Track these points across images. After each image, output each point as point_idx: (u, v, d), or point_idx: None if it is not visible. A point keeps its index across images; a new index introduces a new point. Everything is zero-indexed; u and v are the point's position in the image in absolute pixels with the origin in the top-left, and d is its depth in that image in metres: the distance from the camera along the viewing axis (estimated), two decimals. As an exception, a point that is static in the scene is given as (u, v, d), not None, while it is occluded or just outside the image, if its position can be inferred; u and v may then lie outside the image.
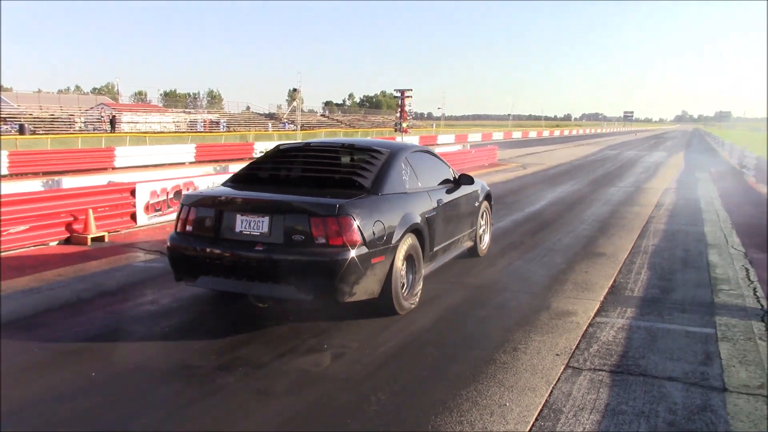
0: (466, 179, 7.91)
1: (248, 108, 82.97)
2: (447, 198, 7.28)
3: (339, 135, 57.76)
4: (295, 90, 73.65)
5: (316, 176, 6.23)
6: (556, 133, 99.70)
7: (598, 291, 7.19)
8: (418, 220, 6.35)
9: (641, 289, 7.31)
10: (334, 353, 5.22)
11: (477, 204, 8.48)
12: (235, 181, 6.48)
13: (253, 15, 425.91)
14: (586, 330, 5.86)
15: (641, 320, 6.16)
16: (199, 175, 13.23)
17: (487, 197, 9.03)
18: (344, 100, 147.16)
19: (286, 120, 76.19)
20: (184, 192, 5.93)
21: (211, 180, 12.90)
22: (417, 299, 6.43)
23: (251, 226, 5.59)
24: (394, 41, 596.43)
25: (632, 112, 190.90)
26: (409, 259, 6.26)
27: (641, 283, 7.54)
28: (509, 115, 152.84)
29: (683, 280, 7.70)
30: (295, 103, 76.92)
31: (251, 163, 6.80)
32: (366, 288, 5.66)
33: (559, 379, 4.79)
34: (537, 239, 10.19)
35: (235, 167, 16.90)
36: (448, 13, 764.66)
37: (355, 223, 5.44)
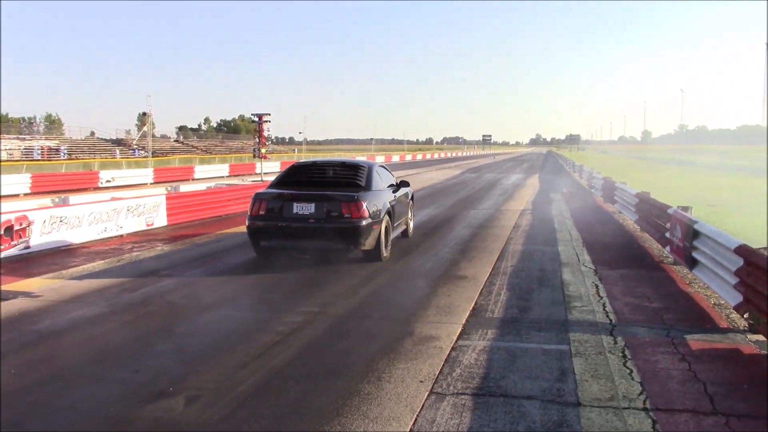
0: (404, 183, 12.78)
1: (93, 133, 78.93)
2: (397, 195, 11.60)
3: (195, 161, 56.21)
4: (144, 114, 70.96)
5: (331, 180, 10.50)
6: (419, 156, 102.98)
7: (460, 314, 7.45)
8: (389, 206, 10.70)
9: (501, 310, 7.66)
10: (188, 396, 5.03)
11: (408, 200, 12.95)
12: (277, 185, 10.40)
13: (96, 31, 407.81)
14: (449, 354, 6.04)
15: (501, 341, 6.44)
16: (35, 208, 12.36)
17: (412, 197, 13.61)
18: (200, 125, 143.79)
19: (136, 146, 73.19)
20: (257, 191, 10.28)
21: (49, 213, 12.10)
22: (389, 253, 10.66)
23: (303, 209, 9.63)
24: (254, 62, 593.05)
25: (490, 136, 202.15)
26: (386, 229, 10.46)
27: (501, 305, 7.90)
28: (372, 139, 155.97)
29: (539, 300, 8.16)
30: (145, 128, 74.14)
31: (282, 175, 10.75)
32: (370, 242, 9.88)
33: (423, 406, 4.89)
34: (400, 264, 10.42)
35: (78, 198, 15.96)
36: (307, 36, 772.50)
37: (365, 205, 9.69)
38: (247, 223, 10.01)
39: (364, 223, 9.66)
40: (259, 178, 33.26)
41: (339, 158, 12.82)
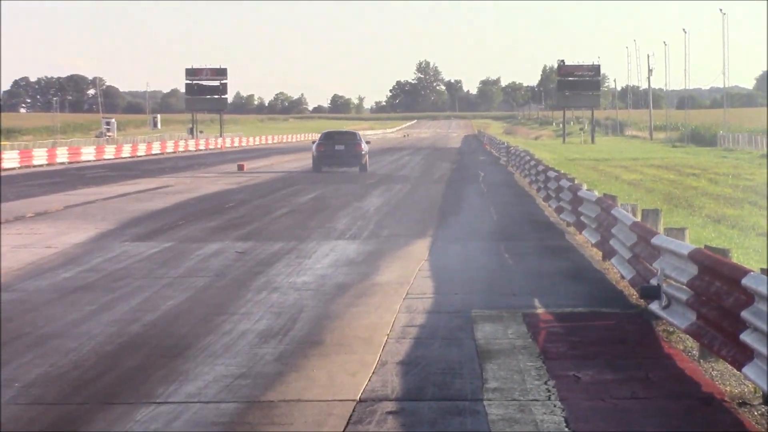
0: (368, 142, 43.40)
1: None
2: (367, 146, 41.93)
3: None
4: None
5: (346, 137, 42.93)
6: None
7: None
8: (366, 149, 41.26)
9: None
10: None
11: (367, 151, 42.09)
12: (323, 140, 41.20)
13: None
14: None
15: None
16: None
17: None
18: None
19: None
20: (316, 141, 40.55)
21: None
22: (367, 170, 39.98)
23: (339, 147, 40.41)
24: None
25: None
26: (367, 158, 41.53)
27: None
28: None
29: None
30: None
31: (323, 135, 42.97)
32: (365, 162, 39.99)
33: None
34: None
35: None
36: None
37: (363, 145, 40.77)
38: (314, 153, 38.35)
39: (363, 152, 38.06)
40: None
41: (344, 130, 52.82)
